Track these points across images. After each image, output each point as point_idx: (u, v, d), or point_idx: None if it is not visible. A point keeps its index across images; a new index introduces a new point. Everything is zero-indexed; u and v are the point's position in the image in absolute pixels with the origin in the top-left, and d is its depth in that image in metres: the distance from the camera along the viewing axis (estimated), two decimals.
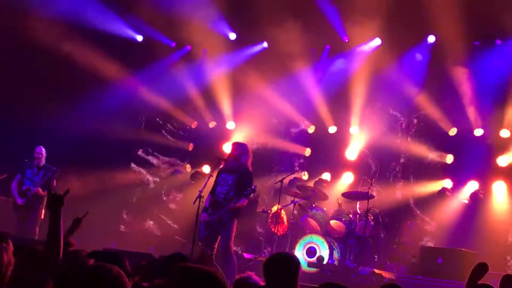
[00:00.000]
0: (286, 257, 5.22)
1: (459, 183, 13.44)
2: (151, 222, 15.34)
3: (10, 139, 14.32)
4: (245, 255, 12.73)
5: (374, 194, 12.28)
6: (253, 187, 9.95)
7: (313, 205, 12.86)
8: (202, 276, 3.48)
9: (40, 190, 12.14)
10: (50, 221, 4.39)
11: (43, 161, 12.31)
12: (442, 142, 13.77)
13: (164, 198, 15.87)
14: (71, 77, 14.86)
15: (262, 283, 5.18)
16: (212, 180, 10.37)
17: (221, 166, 10.39)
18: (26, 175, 12.25)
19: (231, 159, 10.14)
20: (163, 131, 16.33)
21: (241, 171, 9.98)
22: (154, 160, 16.27)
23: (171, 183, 16.00)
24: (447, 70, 13.46)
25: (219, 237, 9.93)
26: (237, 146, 10.46)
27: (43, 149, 12.38)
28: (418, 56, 14.05)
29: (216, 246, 9.95)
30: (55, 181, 12.21)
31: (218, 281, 3.47)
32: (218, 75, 15.46)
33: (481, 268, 4.59)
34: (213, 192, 10.14)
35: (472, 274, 4.56)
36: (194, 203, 10.01)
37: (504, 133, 13.05)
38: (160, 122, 16.32)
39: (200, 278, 3.45)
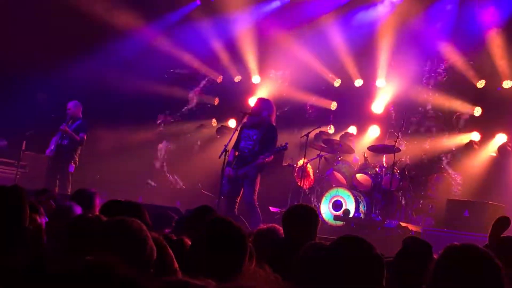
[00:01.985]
0: (304, 209, 5.21)
1: (487, 136, 13.31)
2: (177, 177, 15.42)
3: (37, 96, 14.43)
4: (271, 208, 12.79)
5: (401, 147, 12.21)
6: (284, 144, 10.01)
7: (339, 158, 12.84)
8: (229, 230, 3.52)
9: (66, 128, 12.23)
10: None
11: (75, 115, 12.43)
12: (470, 94, 13.60)
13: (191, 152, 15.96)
14: (93, 29, 14.82)
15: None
16: (236, 135, 10.42)
17: (244, 121, 10.39)
18: (60, 129, 12.41)
19: (253, 114, 10.13)
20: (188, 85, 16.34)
21: (264, 126, 9.99)
22: (179, 115, 16.32)
23: (196, 138, 16.05)
24: (475, 21, 13.21)
25: (243, 191, 9.98)
26: (259, 101, 10.45)
27: (75, 103, 12.50)
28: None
29: (238, 201, 10.02)
30: (84, 134, 12.32)
31: (242, 235, 3.50)
32: (243, 28, 15.35)
33: (503, 222, 4.55)
34: (236, 146, 10.16)
35: (493, 228, 4.53)
36: (220, 157, 10.09)
37: None
38: (186, 76, 16.32)
39: (227, 233, 3.48)
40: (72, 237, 3.78)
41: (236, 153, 10.15)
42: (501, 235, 4.66)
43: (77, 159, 12.47)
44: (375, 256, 2.97)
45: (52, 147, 12.37)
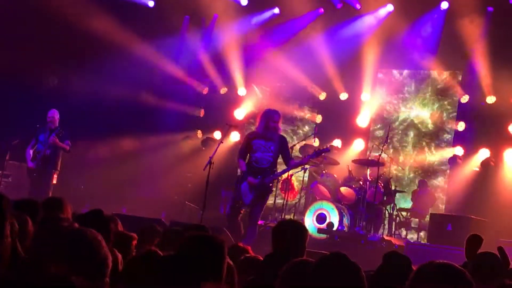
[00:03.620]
0: (294, 224, 5.28)
1: (470, 151, 13.40)
2: (161, 189, 15.38)
3: (23, 105, 14.36)
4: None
5: (385, 161, 12.28)
6: (328, 146, 10.40)
7: (324, 171, 12.88)
8: (209, 244, 3.58)
9: (56, 140, 12.11)
10: None
11: (55, 124, 12.33)
12: (453, 109, 13.71)
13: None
14: (82, 43, 14.81)
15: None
16: (222, 146, 10.42)
17: (250, 132, 10.30)
18: (39, 139, 12.30)
19: (270, 128, 9.99)
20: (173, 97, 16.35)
21: (277, 136, 9.99)
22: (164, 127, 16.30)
23: (182, 150, 16.03)
24: (460, 37, 13.31)
25: (260, 204, 9.96)
26: (262, 114, 10.28)
27: (56, 113, 12.39)
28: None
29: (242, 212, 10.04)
30: (68, 141, 12.24)
31: (223, 250, 3.57)
32: (229, 41, 15.39)
33: (475, 240, 4.61)
34: (244, 156, 10.04)
35: (467, 246, 4.60)
36: (204, 169, 10.08)
37: None
38: (171, 88, 16.32)
39: (207, 247, 3.55)
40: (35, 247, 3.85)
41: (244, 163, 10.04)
42: (477, 251, 4.72)
43: (59, 168, 12.40)
44: (356, 273, 3.02)
45: (38, 157, 12.25)
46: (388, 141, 11.95)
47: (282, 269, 3.41)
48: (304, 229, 5.16)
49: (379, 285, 3.95)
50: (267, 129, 9.89)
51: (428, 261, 3.02)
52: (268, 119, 9.91)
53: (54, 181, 12.35)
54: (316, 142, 14.55)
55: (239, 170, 10.45)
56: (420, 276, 2.97)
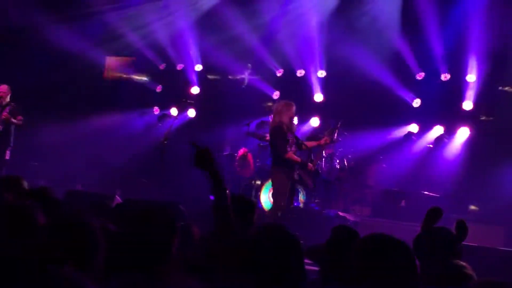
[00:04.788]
0: (240, 198, 5.23)
1: (425, 128, 13.54)
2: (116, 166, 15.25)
3: None
4: (211, 197, 12.78)
5: (340, 138, 12.33)
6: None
7: None
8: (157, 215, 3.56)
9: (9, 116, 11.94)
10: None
11: (6, 100, 12.14)
12: (409, 86, 13.78)
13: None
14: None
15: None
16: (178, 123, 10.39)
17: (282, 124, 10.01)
18: (4, 116, 12.12)
19: (291, 120, 9.94)
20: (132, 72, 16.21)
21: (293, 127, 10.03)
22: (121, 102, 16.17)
23: (138, 125, 15.93)
24: (419, 13, 13.34)
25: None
26: (294, 107, 10.11)
27: (6, 87, 12.20)
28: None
29: None
30: (20, 116, 12.07)
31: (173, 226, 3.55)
32: (186, 17, 15.26)
33: (435, 213, 4.66)
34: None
35: (426, 218, 4.63)
36: (159, 145, 10.05)
37: (470, 78, 13.09)
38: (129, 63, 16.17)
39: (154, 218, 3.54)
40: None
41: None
42: (433, 225, 4.77)
43: (11, 144, 12.23)
44: (293, 243, 3.05)
45: None
46: (343, 118, 11.92)
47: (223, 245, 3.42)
48: (251, 203, 5.14)
49: (329, 257, 3.99)
50: (290, 122, 9.83)
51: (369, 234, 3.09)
52: (290, 112, 9.82)
53: (7, 157, 12.19)
54: None
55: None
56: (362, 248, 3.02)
